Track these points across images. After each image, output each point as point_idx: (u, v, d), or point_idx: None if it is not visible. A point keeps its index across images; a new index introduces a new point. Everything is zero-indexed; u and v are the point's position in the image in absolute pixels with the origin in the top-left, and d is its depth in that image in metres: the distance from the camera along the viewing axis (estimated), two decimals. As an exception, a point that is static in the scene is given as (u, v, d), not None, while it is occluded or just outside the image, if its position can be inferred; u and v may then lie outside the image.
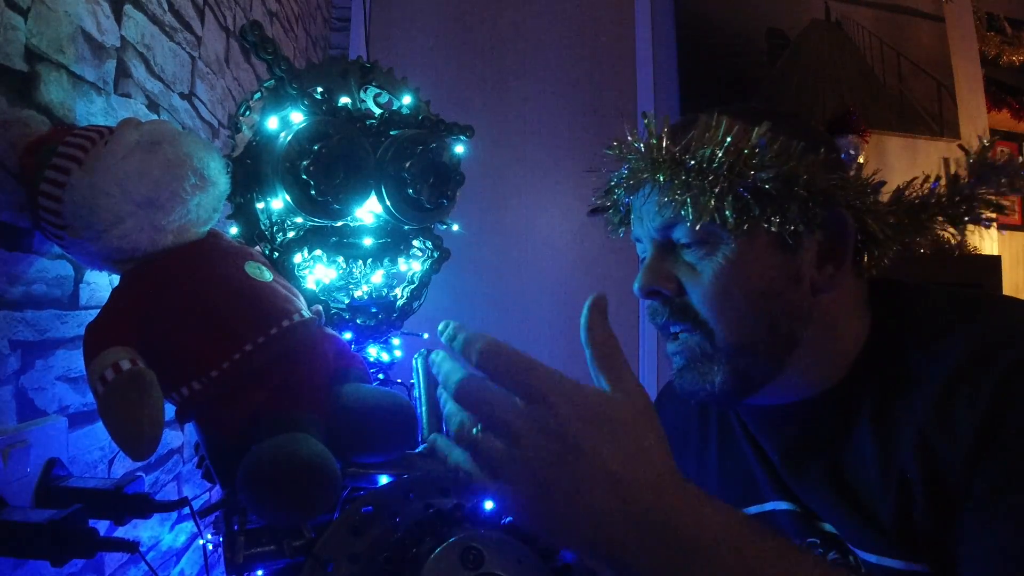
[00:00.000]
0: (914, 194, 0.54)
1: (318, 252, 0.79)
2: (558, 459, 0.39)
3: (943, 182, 0.53)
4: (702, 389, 0.57)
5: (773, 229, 0.51)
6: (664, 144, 0.54)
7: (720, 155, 0.50)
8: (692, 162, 0.52)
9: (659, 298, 0.59)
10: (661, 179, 0.54)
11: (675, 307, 0.57)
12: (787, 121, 0.56)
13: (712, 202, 0.50)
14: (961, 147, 0.54)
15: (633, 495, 0.39)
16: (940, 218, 0.54)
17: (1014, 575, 0.42)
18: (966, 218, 0.53)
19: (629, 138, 0.57)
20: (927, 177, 0.54)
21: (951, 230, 0.54)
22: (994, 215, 0.52)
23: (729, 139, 0.51)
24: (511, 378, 0.41)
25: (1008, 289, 2.52)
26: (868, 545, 0.52)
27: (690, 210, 0.52)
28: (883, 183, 0.55)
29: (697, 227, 0.53)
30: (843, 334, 0.57)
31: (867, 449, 0.53)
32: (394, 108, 0.82)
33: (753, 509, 0.64)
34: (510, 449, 0.40)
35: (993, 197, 0.52)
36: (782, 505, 0.61)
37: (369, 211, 0.80)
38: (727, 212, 0.51)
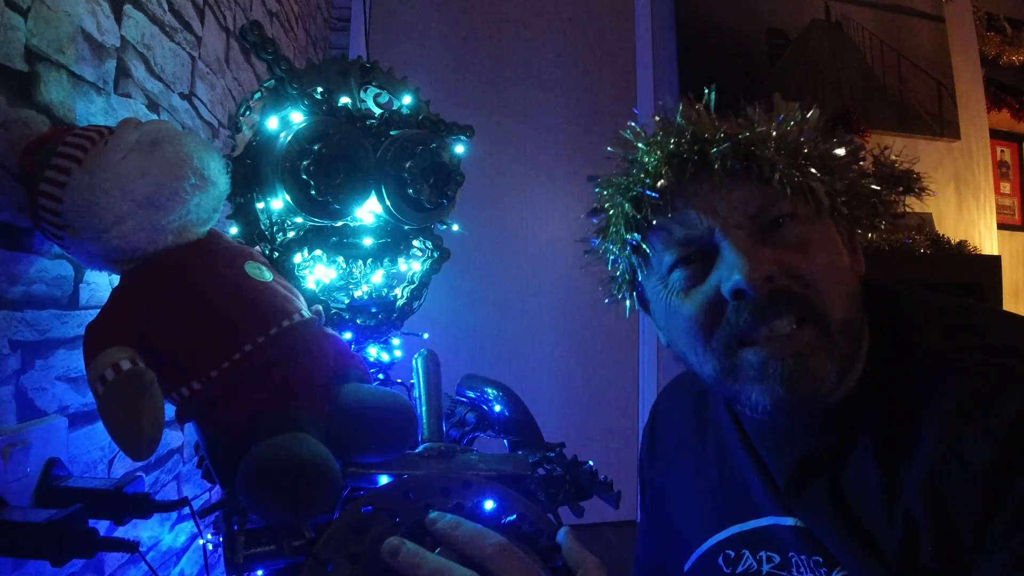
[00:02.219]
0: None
1: (318, 252, 0.79)
2: None
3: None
4: (818, 388, 0.51)
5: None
6: (714, 122, 0.53)
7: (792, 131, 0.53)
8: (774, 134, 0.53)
9: (769, 288, 0.50)
10: (752, 151, 0.52)
11: (781, 296, 0.50)
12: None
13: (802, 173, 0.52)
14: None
15: None
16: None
17: None
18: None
19: (658, 118, 0.56)
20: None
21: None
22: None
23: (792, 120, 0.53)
24: None
25: (1008, 289, 2.52)
26: (866, 574, 0.50)
27: (792, 181, 0.52)
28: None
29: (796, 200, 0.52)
30: (862, 343, 0.55)
31: (870, 474, 0.51)
32: (394, 108, 0.82)
33: (748, 525, 0.61)
34: None
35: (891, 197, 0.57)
36: (785, 520, 0.58)
37: (369, 211, 0.80)
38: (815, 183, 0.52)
